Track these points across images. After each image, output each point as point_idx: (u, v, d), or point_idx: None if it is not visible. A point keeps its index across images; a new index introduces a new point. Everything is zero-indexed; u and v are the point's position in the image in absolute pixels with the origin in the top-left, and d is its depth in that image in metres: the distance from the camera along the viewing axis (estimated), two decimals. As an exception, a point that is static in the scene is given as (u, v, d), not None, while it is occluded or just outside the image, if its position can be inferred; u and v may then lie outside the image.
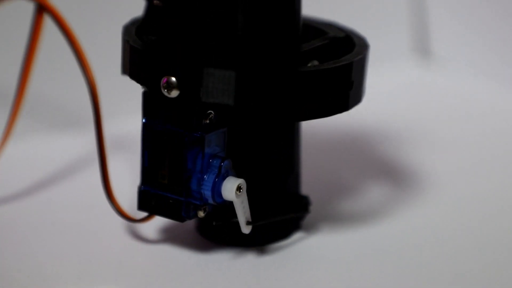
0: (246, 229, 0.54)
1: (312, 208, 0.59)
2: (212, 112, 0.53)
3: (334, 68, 0.54)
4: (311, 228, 0.59)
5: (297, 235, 0.58)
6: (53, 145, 0.71)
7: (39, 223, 0.61)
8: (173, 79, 0.53)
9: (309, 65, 0.55)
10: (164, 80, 0.53)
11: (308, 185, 0.61)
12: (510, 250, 0.58)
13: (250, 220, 0.54)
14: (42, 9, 0.61)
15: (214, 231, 0.57)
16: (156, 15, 0.56)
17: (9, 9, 0.67)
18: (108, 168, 0.57)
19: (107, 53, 0.66)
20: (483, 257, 0.57)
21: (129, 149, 0.69)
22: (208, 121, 0.53)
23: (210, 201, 0.54)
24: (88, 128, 0.70)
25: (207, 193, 0.53)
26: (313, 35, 0.58)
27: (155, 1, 0.55)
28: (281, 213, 0.57)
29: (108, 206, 0.57)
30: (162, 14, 0.56)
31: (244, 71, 0.53)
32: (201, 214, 0.54)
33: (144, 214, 0.56)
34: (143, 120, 0.54)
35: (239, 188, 0.53)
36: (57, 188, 0.65)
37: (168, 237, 0.58)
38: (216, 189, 0.53)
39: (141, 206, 0.55)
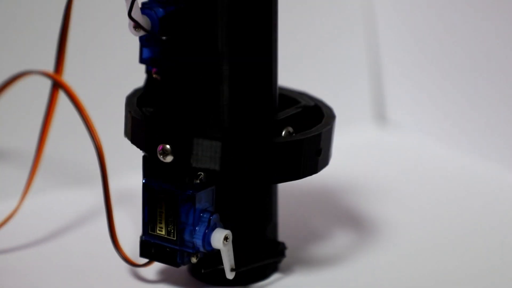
0: (230, 275, 0.55)
1: (288, 252, 0.60)
2: (202, 173, 0.54)
3: (305, 139, 0.54)
4: (286, 270, 0.60)
5: (274, 276, 0.59)
6: (64, 199, 0.71)
7: (53, 268, 0.62)
8: (168, 146, 0.54)
9: (283, 132, 0.55)
10: (160, 147, 0.54)
11: (284, 232, 0.62)
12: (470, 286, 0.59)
13: (234, 267, 0.55)
14: (57, 84, 0.61)
15: (203, 273, 0.57)
16: (154, 87, 0.57)
17: (31, 82, 0.67)
18: (114, 220, 0.57)
19: (111, 119, 0.67)
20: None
21: (130, 202, 0.68)
22: (198, 181, 0.54)
23: (201, 249, 0.54)
24: (95, 184, 0.70)
25: (199, 242, 0.54)
26: (288, 104, 0.58)
27: (154, 75, 0.56)
28: (261, 258, 0.57)
29: (112, 252, 0.58)
30: (159, 87, 0.56)
31: (229, 141, 0.53)
32: (193, 260, 0.55)
33: (145, 260, 0.57)
34: (143, 181, 0.55)
35: (226, 238, 0.54)
36: (68, 237, 0.65)
37: (164, 278, 0.59)
38: (206, 239, 0.54)
39: (142, 254, 0.56)
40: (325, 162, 0.56)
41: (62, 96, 0.62)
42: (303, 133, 0.55)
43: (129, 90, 0.63)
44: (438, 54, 0.80)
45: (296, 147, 0.54)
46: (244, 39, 0.54)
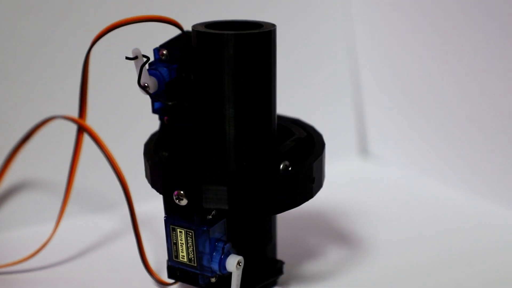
0: None
1: (285, 268, 0.61)
2: (214, 210, 0.54)
3: (299, 174, 0.54)
4: (284, 284, 0.60)
5: None
6: (92, 223, 0.71)
7: (83, 282, 0.62)
8: (182, 192, 0.54)
9: (281, 166, 0.55)
10: (175, 193, 0.54)
11: (282, 251, 0.63)
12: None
13: None
14: (82, 128, 0.62)
15: None
16: (168, 132, 0.57)
17: (60, 125, 0.68)
18: (143, 245, 0.57)
19: (129, 152, 0.67)
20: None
21: (149, 224, 0.68)
22: (211, 217, 0.54)
23: (218, 272, 0.55)
24: (117, 210, 0.72)
25: (215, 267, 0.55)
26: (283, 134, 0.58)
27: (166, 122, 0.56)
28: (262, 276, 0.58)
29: (131, 266, 0.58)
30: (172, 133, 0.56)
31: (233, 185, 0.53)
32: (213, 280, 0.55)
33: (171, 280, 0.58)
34: (164, 217, 0.55)
35: (239, 263, 0.55)
36: (96, 255, 0.66)
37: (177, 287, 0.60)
38: (222, 264, 0.55)
39: (170, 276, 0.57)
40: (319, 187, 0.57)
41: (87, 137, 0.62)
42: (297, 168, 0.55)
43: (143, 126, 0.64)
44: (416, 98, 0.80)
45: (292, 182, 0.54)
46: (248, 88, 0.54)
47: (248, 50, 0.53)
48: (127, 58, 0.53)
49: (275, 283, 0.59)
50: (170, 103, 0.54)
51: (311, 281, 0.61)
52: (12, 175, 0.69)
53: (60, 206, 0.65)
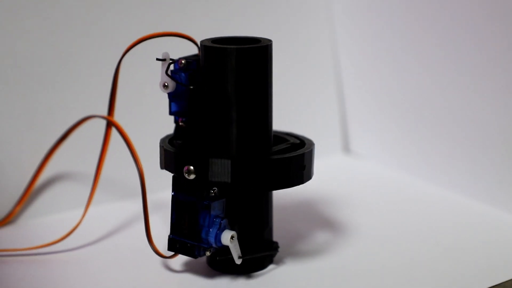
0: (238, 261, 0.58)
1: (280, 249, 0.62)
2: (216, 188, 0.56)
3: (292, 157, 0.57)
4: (279, 262, 0.62)
5: (270, 267, 0.61)
6: (115, 209, 0.72)
7: (107, 260, 0.63)
8: (191, 167, 0.56)
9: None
10: (185, 168, 0.56)
11: (277, 233, 0.64)
12: (414, 272, 0.61)
13: (240, 255, 0.58)
14: (110, 123, 0.64)
15: (217, 264, 0.60)
16: (181, 131, 0.60)
17: (89, 125, 0.70)
18: (149, 223, 0.59)
19: (149, 147, 0.68)
20: (398, 276, 0.60)
21: (162, 211, 0.69)
22: (213, 194, 0.57)
23: (214, 245, 0.57)
24: (137, 198, 0.69)
25: (212, 240, 0.57)
26: (279, 142, 0.61)
27: (180, 124, 0.59)
28: (260, 252, 0.60)
29: (149, 248, 0.59)
30: (185, 132, 0.59)
31: (236, 160, 0.56)
32: (207, 253, 0.57)
33: (171, 253, 0.59)
34: (172, 193, 0.58)
35: (232, 237, 0.57)
36: (117, 237, 0.67)
37: (187, 269, 0.61)
38: (218, 238, 0.57)
39: (170, 248, 0.58)
40: (308, 176, 0.59)
41: (113, 133, 0.65)
42: (290, 153, 0.58)
43: (162, 126, 0.65)
44: (392, 102, 0.81)
45: (286, 163, 0.57)
46: (248, 94, 0.57)
47: (248, 61, 0.56)
48: (157, 59, 0.56)
49: (271, 261, 0.62)
50: (191, 87, 0.57)
51: (302, 259, 0.62)
52: (47, 168, 0.70)
53: (88, 195, 0.66)
